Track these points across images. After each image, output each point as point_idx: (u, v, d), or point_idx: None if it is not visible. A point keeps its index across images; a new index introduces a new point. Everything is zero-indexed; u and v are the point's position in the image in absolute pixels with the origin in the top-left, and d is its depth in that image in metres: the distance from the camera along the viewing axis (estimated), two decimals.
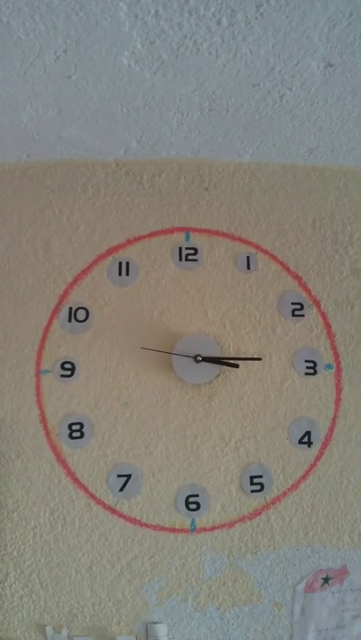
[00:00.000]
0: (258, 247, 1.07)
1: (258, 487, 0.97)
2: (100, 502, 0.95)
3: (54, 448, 0.97)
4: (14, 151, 1.05)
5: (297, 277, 1.07)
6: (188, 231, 1.06)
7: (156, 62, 0.80)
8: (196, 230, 1.06)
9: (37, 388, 0.99)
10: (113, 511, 0.95)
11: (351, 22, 0.73)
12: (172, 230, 1.07)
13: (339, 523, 0.97)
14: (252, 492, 0.96)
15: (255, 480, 0.97)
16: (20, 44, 0.74)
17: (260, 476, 0.97)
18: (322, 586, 0.99)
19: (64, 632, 0.93)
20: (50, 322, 1.02)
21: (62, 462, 0.97)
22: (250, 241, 1.06)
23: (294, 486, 0.98)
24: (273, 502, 0.98)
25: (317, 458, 1.01)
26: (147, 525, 0.95)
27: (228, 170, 1.08)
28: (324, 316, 1.07)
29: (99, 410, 0.98)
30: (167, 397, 0.99)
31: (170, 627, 0.96)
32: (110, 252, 1.04)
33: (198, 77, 0.85)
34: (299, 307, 1.04)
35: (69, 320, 1.00)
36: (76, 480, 0.96)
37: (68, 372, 0.98)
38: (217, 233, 1.07)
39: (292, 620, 0.99)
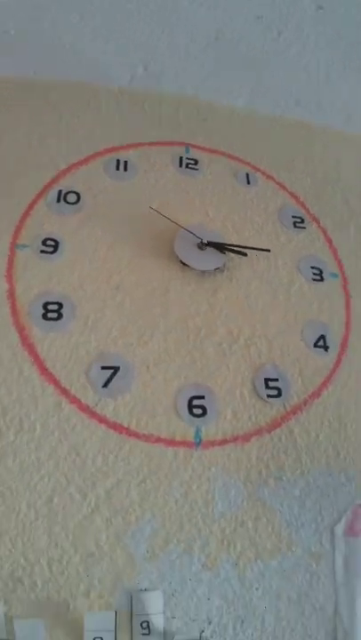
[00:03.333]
0: (256, 168, 0.89)
1: (275, 392, 0.66)
2: (74, 401, 0.59)
3: (21, 330, 0.62)
4: (23, 65, 0.87)
5: (295, 196, 0.97)
6: (188, 146, 0.88)
7: None
8: (195, 147, 0.88)
9: (10, 261, 0.67)
10: (92, 414, 0.59)
11: None
12: (172, 143, 0.88)
13: None
14: (269, 396, 0.66)
15: (271, 384, 0.67)
16: None
17: (276, 379, 0.67)
18: None
19: (0, 609, 0.49)
20: (35, 200, 0.73)
21: (29, 347, 0.61)
22: (248, 162, 0.89)
23: (316, 394, 0.69)
24: (294, 411, 0.67)
25: (336, 364, 0.79)
26: (137, 435, 0.59)
27: (224, 111, 0.95)
28: (324, 231, 0.95)
29: (84, 291, 0.67)
30: (166, 286, 0.71)
31: (167, 597, 0.53)
32: (109, 150, 0.83)
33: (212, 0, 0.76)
34: (300, 220, 0.85)
35: (58, 201, 0.74)
36: (44, 371, 0.60)
37: (50, 249, 0.69)
38: (216, 151, 0.88)
39: (335, 580, 0.65)
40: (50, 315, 0.63)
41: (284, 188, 0.90)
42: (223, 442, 0.61)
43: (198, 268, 0.71)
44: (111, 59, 0.88)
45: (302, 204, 0.89)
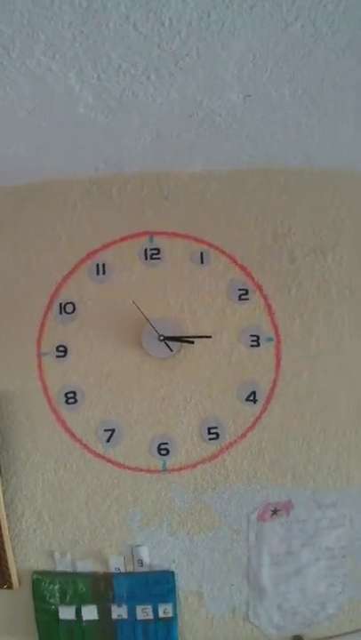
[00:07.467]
0: (210, 244, 1.12)
1: (214, 436, 1.07)
2: (91, 451, 1.08)
3: (55, 412, 1.10)
4: (7, 178, 1.15)
5: (243, 268, 1.15)
6: (151, 235, 1.14)
7: (106, 109, 0.89)
8: (158, 234, 1.12)
9: (39, 366, 1.14)
10: (102, 458, 1.08)
11: (255, 64, 0.82)
12: (138, 235, 1.15)
13: (283, 465, 1.06)
14: (210, 439, 1.08)
15: (212, 430, 1.07)
16: None
17: (216, 427, 1.08)
18: (271, 516, 1.21)
19: (68, 556, 1.08)
20: (45, 315, 1.13)
21: (61, 422, 1.10)
22: (203, 239, 1.12)
23: (243, 435, 1.08)
24: (227, 448, 1.08)
25: (261, 412, 1.09)
26: (129, 468, 1.07)
27: (184, 178, 1.13)
28: (265, 298, 1.23)
29: (87, 381, 1.09)
30: (139, 369, 1.09)
31: (150, 549, 1.08)
32: (89, 256, 1.13)
33: (142, 116, 0.92)
34: (244, 292, 1.11)
35: (60, 313, 1.12)
36: (72, 435, 1.09)
37: (62, 354, 1.11)
38: (175, 235, 1.13)
39: (249, 544, 1.14)
40: (70, 401, 1.13)
41: (234, 261, 1.19)
42: (180, 469, 1.11)
43: (160, 357, 1.14)
44: (74, 164, 1.13)
45: (249, 275, 1.18)
